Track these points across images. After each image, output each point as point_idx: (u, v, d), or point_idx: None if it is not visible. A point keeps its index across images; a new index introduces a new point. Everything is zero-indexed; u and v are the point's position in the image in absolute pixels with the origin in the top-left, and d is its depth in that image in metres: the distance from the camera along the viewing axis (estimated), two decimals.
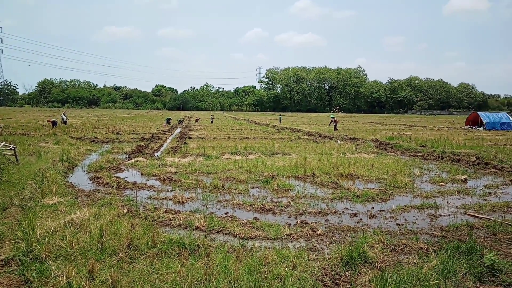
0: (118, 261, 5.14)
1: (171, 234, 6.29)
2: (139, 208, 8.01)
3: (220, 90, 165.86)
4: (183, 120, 44.09)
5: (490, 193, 10.16)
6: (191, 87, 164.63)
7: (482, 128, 39.31)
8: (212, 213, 7.88)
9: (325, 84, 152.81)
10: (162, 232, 6.39)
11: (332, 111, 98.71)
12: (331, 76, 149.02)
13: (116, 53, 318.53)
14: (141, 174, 12.23)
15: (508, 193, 10.17)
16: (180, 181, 10.87)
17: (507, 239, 6.43)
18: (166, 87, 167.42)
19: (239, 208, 8.33)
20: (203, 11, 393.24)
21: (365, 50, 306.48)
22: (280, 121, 49.80)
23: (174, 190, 9.84)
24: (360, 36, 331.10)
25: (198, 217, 7.30)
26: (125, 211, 7.56)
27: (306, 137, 27.28)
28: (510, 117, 41.77)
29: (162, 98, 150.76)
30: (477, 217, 7.85)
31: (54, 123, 29.92)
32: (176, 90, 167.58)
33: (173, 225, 6.98)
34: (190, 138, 24.96)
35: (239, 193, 9.70)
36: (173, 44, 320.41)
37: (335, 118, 34.58)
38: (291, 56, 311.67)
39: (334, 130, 31.72)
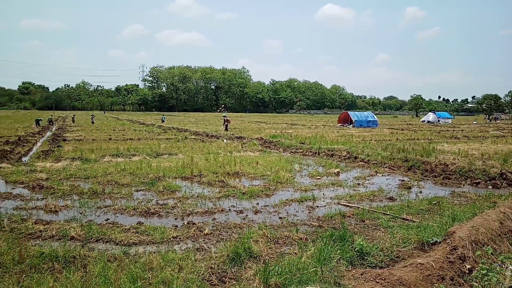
0: None
1: (42, 247, 5.64)
2: (3, 220, 7.03)
3: (100, 88, 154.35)
4: (52, 120, 39.92)
5: (358, 184, 11.34)
6: (65, 85, 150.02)
7: (351, 126, 43.78)
8: (91, 220, 7.30)
9: (211, 84, 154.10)
10: (32, 246, 5.71)
11: (218, 111, 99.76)
12: (217, 76, 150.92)
13: None
14: (6, 182, 10.79)
15: (373, 183, 11.48)
16: (53, 188, 9.84)
17: (373, 224, 7.25)
18: (35, 84, 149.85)
19: (121, 214, 7.86)
20: (72, 1, 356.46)
21: (247, 51, 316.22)
22: (163, 121, 48.22)
23: (46, 198, 8.86)
24: (242, 38, 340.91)
25: (74, 226, 6.68)
26: None
27: (193, 136, 27.12)
28: (374, 116, 47.51)
29: (31, 97, 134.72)
30: (348, 206, 8.69)
31: None
32: (47, 88, 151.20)
33: (44, 236, 6.27)
34: (65, 140, 22.84)
35: (121, 197, 9.16)
36: (38, 37, 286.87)
37: (227, 118, 33.91)
38: (175, 54, 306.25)
39: (226, 130, 31.22)
